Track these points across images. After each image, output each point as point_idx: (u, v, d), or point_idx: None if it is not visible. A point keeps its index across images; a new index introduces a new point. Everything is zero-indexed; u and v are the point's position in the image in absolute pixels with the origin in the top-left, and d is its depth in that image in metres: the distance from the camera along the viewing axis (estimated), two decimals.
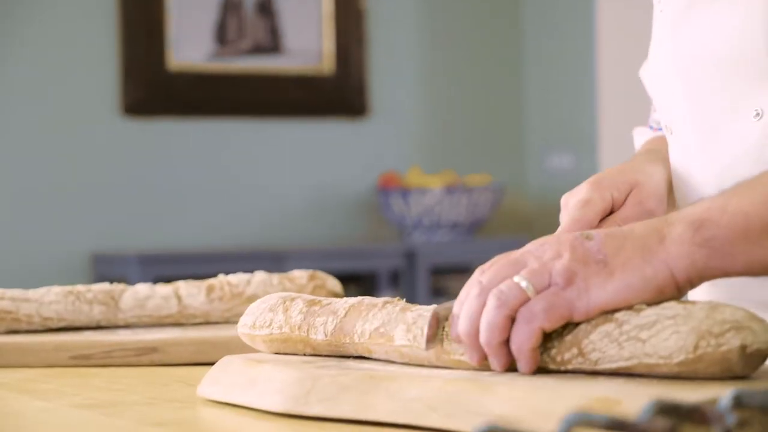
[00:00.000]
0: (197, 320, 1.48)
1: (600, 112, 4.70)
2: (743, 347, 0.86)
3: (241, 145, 4.46)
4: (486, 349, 0.93)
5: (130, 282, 3.79)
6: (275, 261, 4.08)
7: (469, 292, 0.95)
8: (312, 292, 1.52)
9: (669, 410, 0.64)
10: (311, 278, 1.54)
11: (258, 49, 4.48)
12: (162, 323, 1.47)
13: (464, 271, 4.69)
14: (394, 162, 4.72)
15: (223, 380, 1.05)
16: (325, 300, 1.11)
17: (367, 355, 1.05)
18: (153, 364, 1.33)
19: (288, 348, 1.11)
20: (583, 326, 0.92)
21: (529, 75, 4.96)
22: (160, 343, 1.34)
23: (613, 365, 0.90)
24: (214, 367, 1.07)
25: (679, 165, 1.27)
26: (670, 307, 0.89)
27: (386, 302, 1.05)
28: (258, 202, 4.49)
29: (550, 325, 0.91)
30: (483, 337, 0.92)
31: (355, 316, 1.06)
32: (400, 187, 4.51)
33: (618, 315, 0.91)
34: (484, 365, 0.95)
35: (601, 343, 0.91)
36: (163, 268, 3.97)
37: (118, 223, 4.26)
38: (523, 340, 0.91)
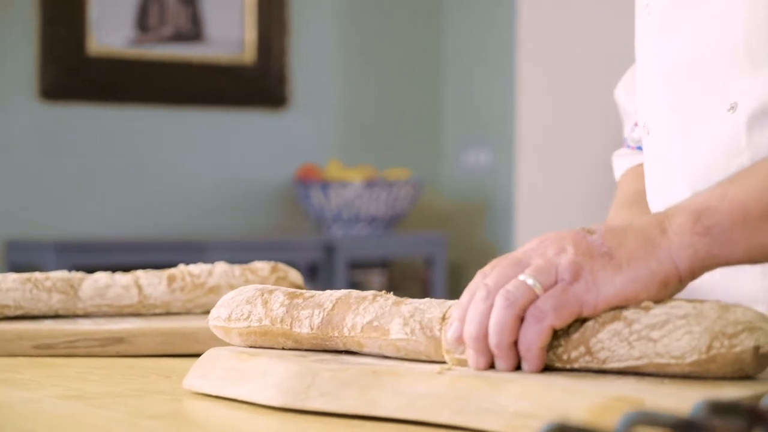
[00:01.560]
0: (157, 310, 1.45)
1: (518, 110, 4.72)
2: (757, 348, 0.86)
3: (160, 133, 4.41)
4: (495, 351, 0.92)
5: (46, 270, 3.72)
6: (194, 251, 4.03)
7: (474, 295, 0.94)
8: (275, 284, 1.50)
9: (724, 410, 0.64)
10: (273, 270, 1.52)
11: (179, 37, 4.42)
12: (122, 313, 1.44)
13: (382, 266, 4.69)
14: (313, 154, 4.70)
15: (211, 373, 1.03)
16: (307, 293, 1.09)
17: (356, 349, 1.03)
18: (118, 355, 1.30)
19: (266, 341, 1.08)
20: (590, 324, 0.92)
21: (449, 71, 4.97)
22: (126, 333, 1.31)
23: (622, 364, 0.90)
24: (200, 359, 1.05)
25: (655, 163, 1.28)
26: (680, 306, 0.89)
27: (376, 295, 1.04)
28: (176, 192, 4.44)
29: (560, 323, 0.91)
30: (493, 339, 0.91)
31: (344, 309, 1.04)
32: (318, 179, 4.49)
33: (626, 314, 0.91)
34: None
35: (610, 342, 0.90)
36: (80, 256, 3.90)
37: (33, 210, 4.18)
38: (533, 339, 0.90)
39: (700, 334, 0.87)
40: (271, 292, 1.09)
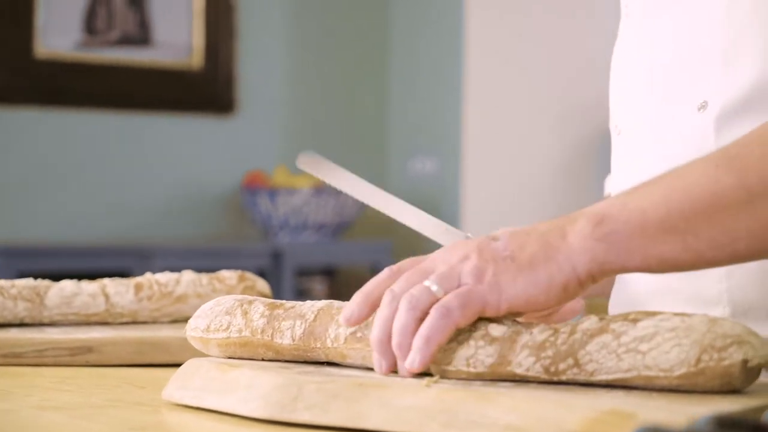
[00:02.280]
0: (124, 319, 1.44)
1: (465, 118, 4.74)
2: (745, 361, 0.87)
3: (107, 138, 4.37)
4: (397, 352, 0.94)
5: None
6: (140, 257, 4.01)
7: (378, 283, 0.98)
8: (242, 293, 1.49)
9: (729, 424, 0.64)
10: (241, 279, 1.51)
11: (127, 41, 4.39)
12: (88, 322, 1.43)
13: (329, 273, 4.68)
14: (261, 160, 4.68)
15: (192, 384, 1.01)
16: (288, 303, 1.09)
17: (339, 360, 1.03)
18: (87, 365, 1.28)
19: (246, 352, 1.08)
20: (578, 337, 0.92)
21: (396, 79, 4.97)
22: (96, 342, 1.30)
23: (610, 377, 0.90)
24: (179, 370, 1.04)
25: (624, 163, 1.29)
26: (668, 319, 0.90)
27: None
28: (122, 197, 4.40)
29: (464, 321, 0.93)
30: (395, 340, 0.94)
31: (327, 321, 1.04)
32: (266, 186, 4.48)
33: (614, 326, 0.91)
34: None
35: (599, 354, 0.91)
36: (26, 261, 3.86)
37: None
38: (435, 332, 0.92)
39: (690, 346, 0.87)
40: (250, 302, 1.09)
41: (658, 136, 1.22)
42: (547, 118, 4.83)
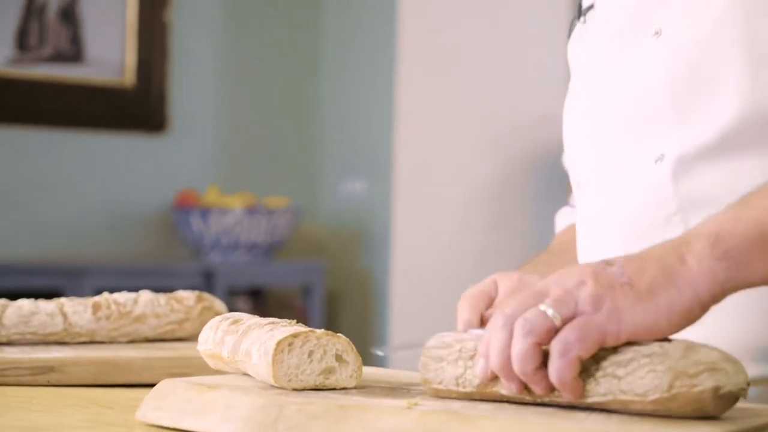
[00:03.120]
0: (82, 339, 1.44)
1: (396, 140, 4.76)
2: (716, 388, 0.89)
3: (36, 155, 4.33)
4: (523, 378, 0.92)
5: None
6: (71, 276, 3.97)
7: (494, 324, 0.94)
8: (200, 313, 1.50)
9: None
10: (199, 299, 1.52)
11: (59, 57, 4.35)
12: (46, 341, 1.42)
13: (259, 294, 4.67)
14: (193, 179, 4.67)
15: (167, 405, 1.02)
16: (248, 320, 1.14)
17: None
18: (48, 384, 1.28)
19: (216, 364, 1.15)
20: None
21: (327, 101, 4.99)
22: (58, 362, 1.29)
23: (588, 400, 0.92)
24: (153, 391, 1.05)
25: (586, 216, 1.30)
26: (647, 344, 0.92)
27: (271, 322, 1.09)
28: (53, 215, 4.35)
29: (585, 354, 0.91)
30: (517, 367, 0.92)
31: (244, 336, 1.09)
32: (197, 205, 4.46)
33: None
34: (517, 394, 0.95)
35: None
36: None
37: None
38: (563, 372, 0.90)
39: (663, 372, 0.90)
40: (227, 318, 1.15)
41: (616, 189, 1.23)
42: (480, 139, 4.87)
